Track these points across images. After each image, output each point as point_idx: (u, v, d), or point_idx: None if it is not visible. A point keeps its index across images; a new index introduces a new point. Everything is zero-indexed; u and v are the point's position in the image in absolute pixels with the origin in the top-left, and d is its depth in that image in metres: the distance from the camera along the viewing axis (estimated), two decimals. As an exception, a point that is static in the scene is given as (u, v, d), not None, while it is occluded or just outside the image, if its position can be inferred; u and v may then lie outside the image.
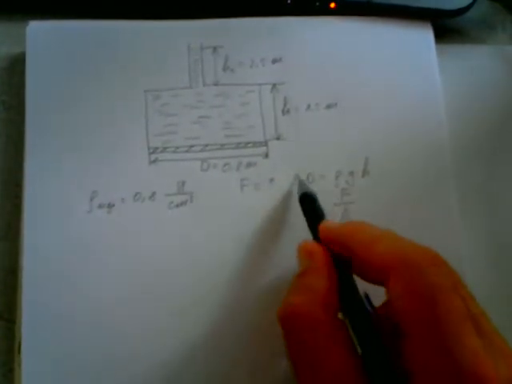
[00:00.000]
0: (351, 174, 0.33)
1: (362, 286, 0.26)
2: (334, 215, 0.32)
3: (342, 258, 0.26)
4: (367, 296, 0.26)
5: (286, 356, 0.25)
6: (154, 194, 0.32)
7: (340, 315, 0.25)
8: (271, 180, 0.32)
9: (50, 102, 0.32)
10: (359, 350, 0.24)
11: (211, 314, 0.30)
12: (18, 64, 0.34)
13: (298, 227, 0.32)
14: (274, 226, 0.32)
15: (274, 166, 0.33)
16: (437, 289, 0.22)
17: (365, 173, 0.33)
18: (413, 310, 0.22)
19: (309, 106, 0.34)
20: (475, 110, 0.36)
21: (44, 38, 0.33)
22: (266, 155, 0.33)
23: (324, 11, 0.35)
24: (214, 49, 0.34)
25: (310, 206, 0.30)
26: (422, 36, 0.36)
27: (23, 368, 0.29)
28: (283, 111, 0.33)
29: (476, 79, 0.37)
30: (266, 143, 0.33)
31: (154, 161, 0.32)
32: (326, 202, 0.32)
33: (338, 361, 0.23)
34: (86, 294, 0.30)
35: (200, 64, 0.34)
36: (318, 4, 0.35)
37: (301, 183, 0.32)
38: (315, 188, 0.32)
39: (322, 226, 0.28)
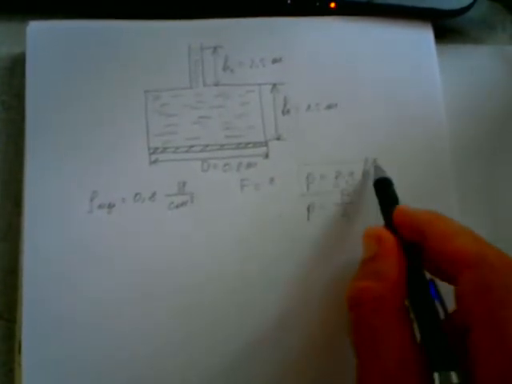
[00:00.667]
0: (351, 174, 0.33)
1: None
2: (333, 215, 0.32)
3: (411, 245, 0.26)
4: (434, 283, 0.26)
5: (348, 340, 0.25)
6: (154, 194, 0.32)
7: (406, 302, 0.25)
8: (271, 180, 0.32)
9: (49, 102, 0.32)
10: (417, 334, 0.24)
11: (211, 314, 0.30)
12: (18, 64, 0.34)
13: (297, 227, 0.32)
14: (274, 226, 0.32)
15: (274, 167, 0.33)
16: (510, 290, 0.22)
17: (365, 173, 0.33)
18: (483, 309, 0.23)
19: (309, 107, 0.34)
20: (475, 110, 0.36)
21: (44, 38, 0.33)
22: (266, 155, 0.33)
23: (324, 11, 0.35)
24: (214, 49, 0.34)
25: (385, 190, 0.30)
26: (422, 36, 0.36)
27: (23, 368, 0.28)
28: (283, 111, 0.33)
29: (476, 79, 0.37)
30: (266, 143, 0.33)
31: (155, 161, 0.32)
32: (326, 202, 0.32)
33: (402, 347, 0.23)
34: (86, 294, 0.30)
35: (200, 64, 0.34)
36: (318, 4, 0.35)
37: (377, 168, 0.32)
38: (315, 188, 0.32)
39: (399, 209, 0.28)
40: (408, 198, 0.33)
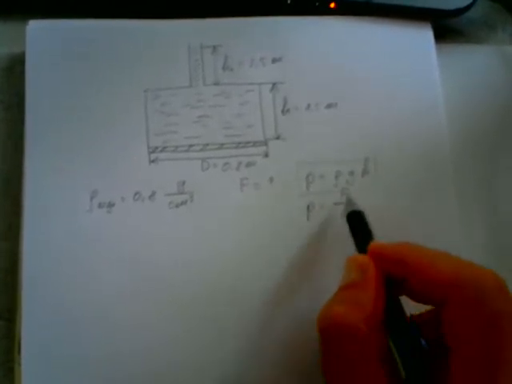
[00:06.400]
0: (351, 173, 0.33)
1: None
2: (334, 215, 0.32)
3: (391, 277, 0.26)
4: (412, 317, 0.26)
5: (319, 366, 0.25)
6: (154, 193, 0.32)
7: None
8: (271, 179, 0.32)
9: (49, 102, 0.32)
10: (402, 371, 0.24)
11: (210, 312, 0.30)
12: (16, 63, 0.34)
13: (297, 226, 0.32)
14: (274, 225, 0.32)
15: (273, 166, 0.33)
16: (500, 316, 0.22)
17: (365, 172, 0.33)
18: (473, 333, 0.22)
19: (309, 106, 0.34)
20: (475, 110, 0.36)
21: (43, 37, 0.33)
22: (266, 155, 0.33)
23: (324, 11, 0.35)
24: (214, 48, 0.34)
25: (359, 224, 0.29)
26: (422, 36, 0.36)
27: (23, 367, 0.28)
28: (283, 111, 0.33)
29: (476, 79, 0.37)
30: (265, 143, 0.33)
31: (154, 160, 0.32)
32: (326, 201, 0.32)
33: (373, 377, 0.23)
34: (86, 294, 0.30)
35: (200, 63, 0.34)
36: (317, 4, 0.35)
37: (348, 200, 0.31)
38: (315, 188, 0.32)
39: (375, 244, 0.27)
40: (408, 197, 0.33)
